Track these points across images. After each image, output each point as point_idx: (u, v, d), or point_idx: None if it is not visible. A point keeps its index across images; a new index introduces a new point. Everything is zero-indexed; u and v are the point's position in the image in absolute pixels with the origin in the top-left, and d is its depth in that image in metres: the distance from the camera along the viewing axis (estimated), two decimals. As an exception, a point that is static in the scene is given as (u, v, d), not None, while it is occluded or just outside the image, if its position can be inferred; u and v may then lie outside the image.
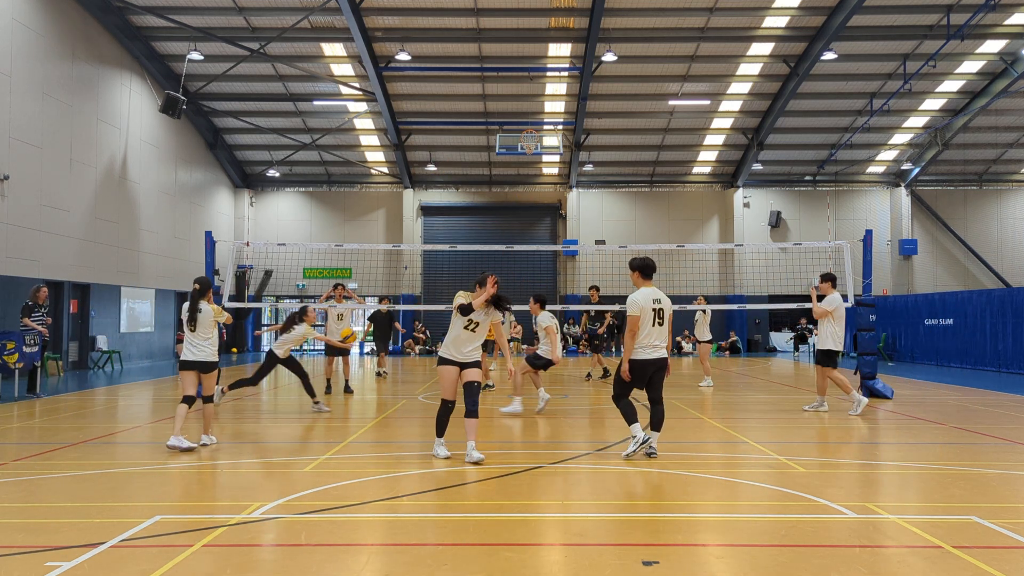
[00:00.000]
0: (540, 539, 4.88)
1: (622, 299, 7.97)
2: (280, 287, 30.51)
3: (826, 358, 10.97)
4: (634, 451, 7.31)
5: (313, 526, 5.05)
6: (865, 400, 10.95)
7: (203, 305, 8.27)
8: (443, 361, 7.42)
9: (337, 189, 31.43)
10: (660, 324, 7.40)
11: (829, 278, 11.16)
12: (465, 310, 7.20)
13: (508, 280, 15.34)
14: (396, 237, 30.52)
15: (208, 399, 8.36)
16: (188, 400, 8.08)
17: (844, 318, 11.02)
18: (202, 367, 8.20)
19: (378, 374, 17.85)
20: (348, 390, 13.82)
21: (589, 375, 16.37)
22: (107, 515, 5.29)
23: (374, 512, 5.48)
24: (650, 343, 7.34)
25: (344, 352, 13.86)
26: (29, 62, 17.71)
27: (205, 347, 8.20)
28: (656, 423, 7.47)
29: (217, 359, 8.32)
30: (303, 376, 11.17)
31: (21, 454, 7.66)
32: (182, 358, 8.24)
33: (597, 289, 16.33)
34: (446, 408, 7.47)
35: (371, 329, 18.07)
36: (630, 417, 7.43)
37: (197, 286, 8.32)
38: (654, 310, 7.36)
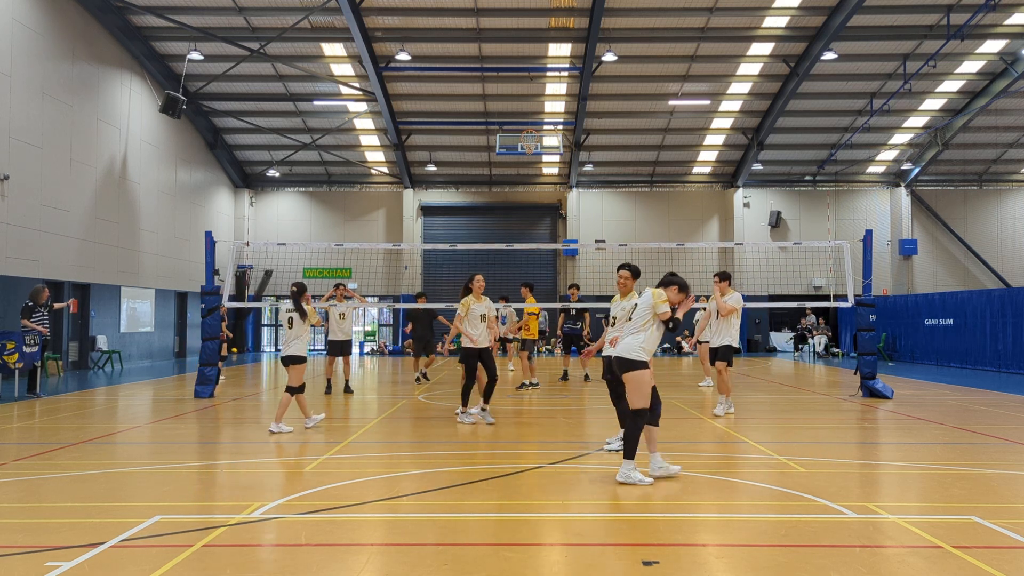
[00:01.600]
0: (540, 539, 4.88)
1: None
2: (280, 287, 30.50)
3: (731, 353, 10.78)
4: (618, 449, 7.55)
5: (313, 526, 5.05)
6: (732, 409, 10.70)
7: (304, 306, 9.22)
8: (643, 365, 6.38)
9: (337, 189, 31.42)
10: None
11: (726, 277, 11.02)
12: (674, 321, 6.38)
13: (508, 280, 15.37)
14: (396, 237, 30.52)
15: (300, 388, 9.22)
16: (293, 390, 9.13)
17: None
18: (293, 361, 9.13)
19: (419, 378, 16.15)
20: (348, 390, 13.83)
21: (587, 376, 16.29)
22: (107, 515, 5.29)
23: (374, 512, 5.49)
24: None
25: (346, 352, 13.92)
26: (29, 62, 17.71)
27: (296, 344, 9.20)
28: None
29: (305, 355, 9.25)
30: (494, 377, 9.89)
31: (21, 454, 7.66)
32: (282, 354, 9.26)
33: (577, 288, 16.23)
34: (644, 419, 6.37)
35: (411, 329, 16.30)
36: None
37: (295, 288, 9.31)
38: None
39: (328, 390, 13.75)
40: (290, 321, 9.29)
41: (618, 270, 7.79)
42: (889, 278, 30.75)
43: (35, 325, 13.20)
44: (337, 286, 14.39)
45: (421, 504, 5.69)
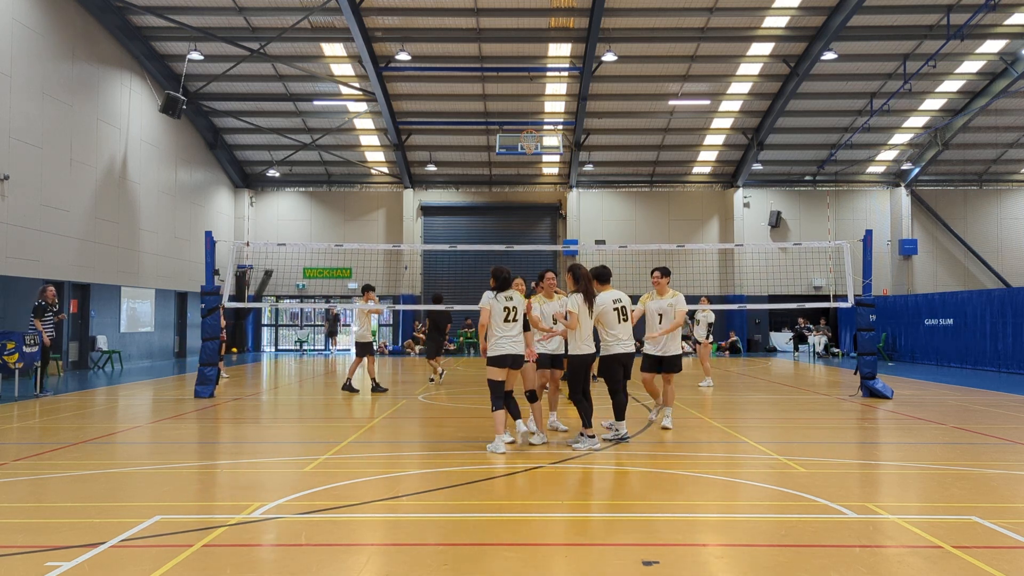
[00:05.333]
0: (540, 539, 4.88)
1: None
2: (280, 287, 30.52)
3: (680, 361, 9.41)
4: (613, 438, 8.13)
5: (313, 526, 5.05)
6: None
7: (515, 295, 7.95)
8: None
9: (337, 189, 31.43)
10: (624, 320, 8.18)
11: (667, 273, 9.62)
12: None
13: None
14: (396, 237, 30.52)
15: (532, 394, 8.28)
16: (529, 395, 8.31)
17: None
18: (514, 361, 7.82)
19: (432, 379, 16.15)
20: (377, 388, 13.95)
21: (595, 376, 16.18)
22: (107, 515, 5.29)
23: (374, 512, 5.49)
24: (623, 337, 8.15)
25: (370, 352, 14.08)
26: (29, 62, 17.71)
27: (519, 340, 7.83)
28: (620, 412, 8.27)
29: (523, 352, 7.92)
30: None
31: (21, 454, 7.66)
32: (498, 354, 7.74)
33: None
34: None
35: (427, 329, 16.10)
36: (621, 412, 8.24)
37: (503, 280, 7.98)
38: (615, 309, 8.11)
39: (348, 386, 13.88)
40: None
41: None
42: (889, 278, 30.75)
43: (43, 328, 13.22)
44: (368, 289, 14.59)
45: (421, 504, 5.69)
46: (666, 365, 9.13)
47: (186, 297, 26.04)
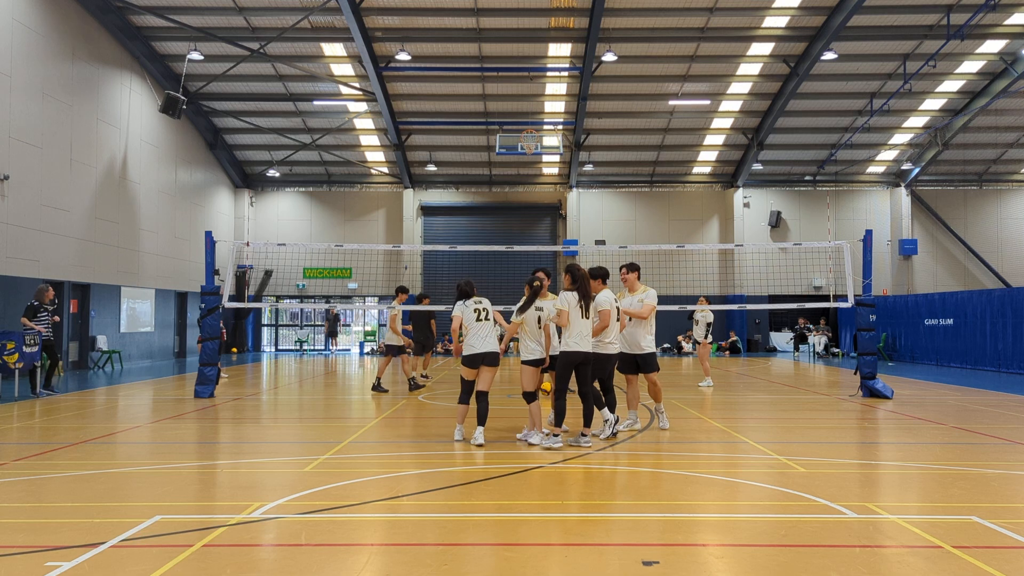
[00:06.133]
0: (540, 539, 4.88)
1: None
2: (280, 287, 30.52)
3: (656, 360, 9.16)
4: (612, 432, 8.51)
5: (313, 526, 5.05)
6: (638, 424, 9.34)
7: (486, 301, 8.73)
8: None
9: (337, 189, 31.43)
10: (616, 320, 8.51)
11: (635, 268, 9.43)
12: None
13: (507, 280, 15.36)
14: (396, 237, 30.52)
15: (531, 395, 8.31)
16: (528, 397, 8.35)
17: None
18: (484, 358, 8.27)
19: (412, 379, 16.03)
20: (378, 388, 14.02)
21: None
22: (107, 515, 5.29)
23: (374, 512, 5.49)
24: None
25: (397, 353, 14.21)
26: (29, 62, 17.71)
27: (492, 338, 8.41)
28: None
29: (496, 349, 8.34)
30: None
31: (21, 454, 7.66)
32: (477, 351, 8.23)
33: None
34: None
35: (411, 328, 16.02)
36: (612, 406, 8.67)
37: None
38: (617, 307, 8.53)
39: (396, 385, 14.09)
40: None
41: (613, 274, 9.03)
42: (889, 278, 30.75)
43: (34, 325, 13.20)
44: (403, 291, 14.81)
45: (421, 504, 5.70)
46: (642, 365, 9.09)
47: (186, 297, 26.04)
